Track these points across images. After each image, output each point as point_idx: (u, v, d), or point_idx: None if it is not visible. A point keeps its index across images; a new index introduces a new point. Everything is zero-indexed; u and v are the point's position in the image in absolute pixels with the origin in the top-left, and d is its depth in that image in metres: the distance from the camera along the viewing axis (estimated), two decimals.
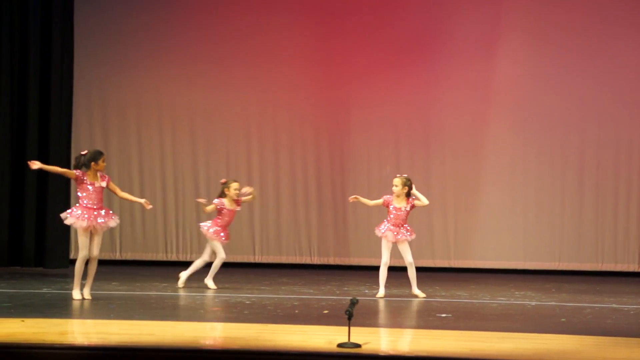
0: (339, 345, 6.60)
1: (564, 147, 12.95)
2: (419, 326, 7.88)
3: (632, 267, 12.81)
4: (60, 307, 8.98)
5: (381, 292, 9.89)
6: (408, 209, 10.01)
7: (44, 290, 10.06)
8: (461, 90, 12.99)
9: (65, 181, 12.73)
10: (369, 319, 8.02)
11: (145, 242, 13.36)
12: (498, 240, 12.74)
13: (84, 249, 9.29)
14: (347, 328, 6.70)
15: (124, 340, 7.03)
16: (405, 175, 10.07)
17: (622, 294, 10.58)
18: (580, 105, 12.89)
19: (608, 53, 12.81)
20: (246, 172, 13.32)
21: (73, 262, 12.82)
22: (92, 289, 9.51)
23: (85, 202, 9.24)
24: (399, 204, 9.95)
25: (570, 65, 12.85)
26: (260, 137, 13.32)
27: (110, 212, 9.44)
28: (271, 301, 9.41)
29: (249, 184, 13.42)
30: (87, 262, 9.39)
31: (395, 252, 13.15)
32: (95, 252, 9.33)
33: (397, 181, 9.93)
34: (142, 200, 9.53)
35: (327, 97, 13.23)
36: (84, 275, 9.40)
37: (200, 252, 13.39)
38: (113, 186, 9.49)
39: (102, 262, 13.03)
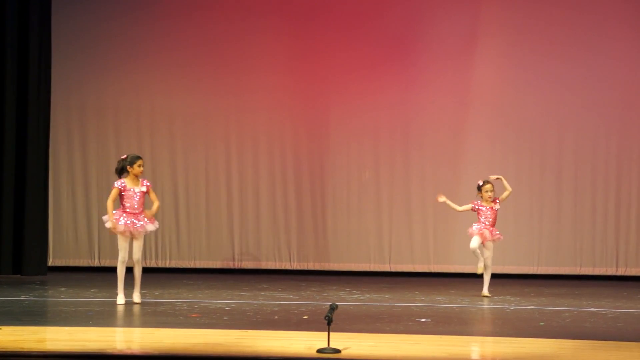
0: (319, 351, 6.60)
1: (542, 153, 13.01)
2: (398, 331, 7.88)
3: (610, 271, 12.88)
4: (38, 315, 8.92)
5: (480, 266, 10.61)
6: (497, 207, 10.74)
7: (22, 298, 10.00)
8: (440, 95, 13.03)
9: (43, 188, 12.66)
10: (349, 324, 8.03)
11: None
12: None
13: (122, 250, 9.47)
14: (326, 333, 6.69)
15: (102, 347, 6.99)
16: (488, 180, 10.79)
17: (600, 297, 10.63)
18: (558, 112, 12.96)
19: (585, 59, 12.88)
20: (225, 177, 13.29)
21: (51, 269, 12.89)
22: (70, 296, 9.46)
23: (126, 207, 9.42)
24: (489, 204, 10.66)
25: (548, 71, 12.92)
26: (239, 142, 13.30)
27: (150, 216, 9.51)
28: (251, 307, 9.39)
29: (228, 189, 13.45)
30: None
31: (370, 257, 13.25)
32: (137, 255, 9.47)
33: (490, 187, 10.70)
34: (152, 221, 9.55)
35: (306, 102, 13.24)
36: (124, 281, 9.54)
37: (179, 258, 13.42)
38: (152, 194, 9.62)
39: (80, 269, 13.12)
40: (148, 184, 9.60)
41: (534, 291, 11.17)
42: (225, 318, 8.64)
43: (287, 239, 13.24)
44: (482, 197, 10.69)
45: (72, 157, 13.34)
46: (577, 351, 7.02)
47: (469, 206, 10.76)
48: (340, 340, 6.82)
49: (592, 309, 9.61)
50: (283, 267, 13.18)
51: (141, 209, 9.48)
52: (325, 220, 13.21)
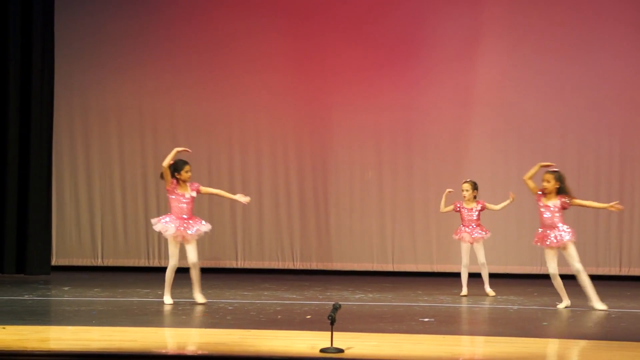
0: (322, 350, 6.60)
1: (545, 153, 12.97)
2: (401, 331, 7.88)
3: (613, 271, 12.88)
4: (42, 314, 8.93)
5: (464, 291, 10.59)
6: (479, 208, 10.69)
7: (25, 297, 10.01)
8: (443, 95, 13.03)
9: (46, 188, 12.69)
10: (352, 324, 8.02)
11: (127, 248, 13.32)
12: None
13: (173, 257, 9.43)
14: (329, 333, 6.69)
15: (105, 346, 7.00)
16: (472, 180, 10.78)
17: (604, 297, 10.60)
18: (561, 112, 12.97)
19: (587, 59, 12.89)
20: (228, 177, 13.31)
21: (55, 268, 12.91)
22: (73, 295, 9.45)
23: (175, 211, 9.39)
24: (469, 206, 10.67)
25: (550, 72, 12.92)
26: (242, 143, 13.31)
27: (202, 221, 9.50)
28: (254, 306, 9.39)
29: (231, 189, 13.42)
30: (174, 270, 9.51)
31: (373, 257, 13.25)
32: (193, 259, 9.41)
33: (467, 186, 10.72)
34: (237, 196, 9.56)
35: (309, 101, 13.25)
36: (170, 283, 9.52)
37: (181, 258, 13.37)
38: (206, 189, 9.65)
39: (83, 269, 13.15)
40: (197, 185, 9.51)
41: (537, 291, 11.16)
42: (228, 317, 8.65)
43: (290, 238, 13.25)
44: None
45: (75, 157, 13.36)
46: (580, 351, 7.02)
47: (450, 207, 10.81)
48: (344, 339, 6.82)
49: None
50: (286, 267, 13.20)
51: (190, 214, 9.42)
52: (328, 220, 13.22)
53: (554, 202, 9.50)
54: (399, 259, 13.17)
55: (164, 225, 9.39)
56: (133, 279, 11.93)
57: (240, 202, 9.59)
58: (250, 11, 13.24)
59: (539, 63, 12.91)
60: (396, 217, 13.18)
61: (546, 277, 12.72)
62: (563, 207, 9.53)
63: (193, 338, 7.52)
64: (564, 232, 9.46)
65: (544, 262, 12.95)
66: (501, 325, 8.61)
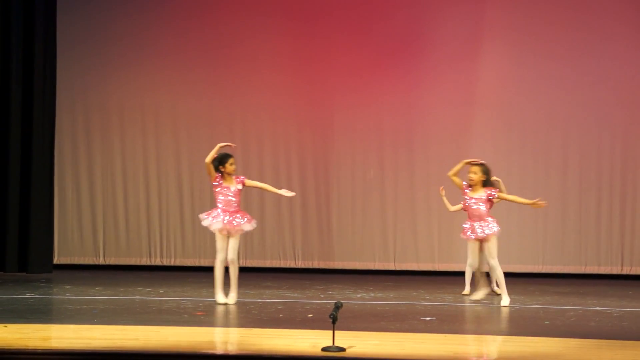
0: (324, 349, 6.60)
1: (547, 152, 13.00)
2: (403, 329, 7.88)
3: (615, 270, 12.87)
4: (44, 313, 8.94)
5: (466, 289, 10.50)
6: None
7: (27, 296, 10.02)
8: (445, 94, 13.02)
9: (48, 186, 12.69)
10: (354, 323, 8.03)
11: (129, 246, 13.31)
12: None
13: (220, 251, 9.42)
14: (331, 332, 6.70)
15: (107, 345, 7.00)
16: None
17: (605, 296, 10.62)
18: (563, 112, 12.95)
19: (589, 59, 12.86)
20: None
21: (56, 267, 12.91)
22: (75, 294, 9.44)
23: (221, 205, 9.37)
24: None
25: (552, 72, 12.89)
26: (243, 142, 13.29)
27: (248, 216, 9.48)
28: (255, 305, 9.40)
29: None
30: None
31: (374, 255, 13.25)
32: (232, 255, 9.39)
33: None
34: (282, 191, 9.52)
35: (311, 100, 13.24)
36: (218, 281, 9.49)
37: (183, 256, 13.42)
38: (251, 182, 9.59)
39: (85, 267, 13.15)
40: (243, 178, 9.49)
41: (538, 290, 11.16)
42: (230, 316, 8.65)
43: (291, 237, 13.24)
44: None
45: (76, 156, 13.36)
46: (582, 350, 7.01)
47: (459, 206, 10.54)
48: (345, 338, 6.82)
49: (597, 307, 9.61)
50: (288, 266, 13.18)
51: (237, 207, 9.39)
52: (330, 219, 13.22)
53: (480, 194, 9.54)
54: (400, 257, 13.16)
55: (211, 220, 9.36)
56: (135, 278, 11.93)
57: (285, 196, 9.54)
58: (252, 10, 13.22)
59: (540, 64, 12.90)
60: (398, 216, 13.17)
61: (548, 276, 12.81)
62: (489, 199, 9.52)
63: (194, 337, 7.52)
64: (491, 225, 9.47)
65: (546, 261, 13.06)
66: (503, 324, 8.61)
